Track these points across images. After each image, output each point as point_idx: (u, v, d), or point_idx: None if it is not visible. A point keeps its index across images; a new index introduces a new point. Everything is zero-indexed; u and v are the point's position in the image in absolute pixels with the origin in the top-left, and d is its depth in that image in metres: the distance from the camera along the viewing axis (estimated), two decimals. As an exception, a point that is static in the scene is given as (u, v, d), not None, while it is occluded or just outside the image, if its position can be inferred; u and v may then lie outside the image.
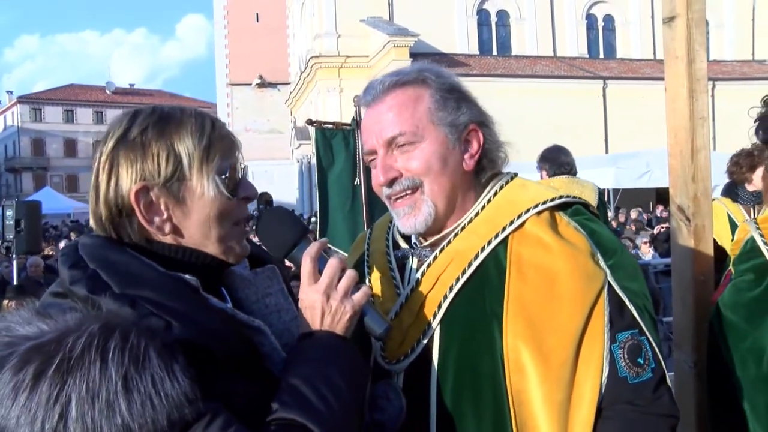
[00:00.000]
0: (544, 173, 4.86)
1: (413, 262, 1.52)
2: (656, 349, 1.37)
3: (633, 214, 17.91)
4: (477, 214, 1.48)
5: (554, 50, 33.96)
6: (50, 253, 12.30)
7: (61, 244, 13.74)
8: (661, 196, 19.66)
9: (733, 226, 4.16)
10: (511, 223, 1.43)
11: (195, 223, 1.23)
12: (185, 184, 1.21)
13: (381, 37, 29.39)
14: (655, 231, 13.23)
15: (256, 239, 1.52)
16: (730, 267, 1.66)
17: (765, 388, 1.45)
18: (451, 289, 1.41)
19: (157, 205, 1.21)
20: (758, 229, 1.57)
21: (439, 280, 1.43)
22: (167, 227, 1.22)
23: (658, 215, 18.11)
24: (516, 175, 1.56)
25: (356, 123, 6.53)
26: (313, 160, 7.59)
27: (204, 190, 1.22)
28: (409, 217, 1.46)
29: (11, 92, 65.46)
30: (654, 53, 33.22)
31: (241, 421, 1.07)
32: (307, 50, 34.26)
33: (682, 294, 1.98)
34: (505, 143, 1.55)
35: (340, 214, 7.09)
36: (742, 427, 1.49)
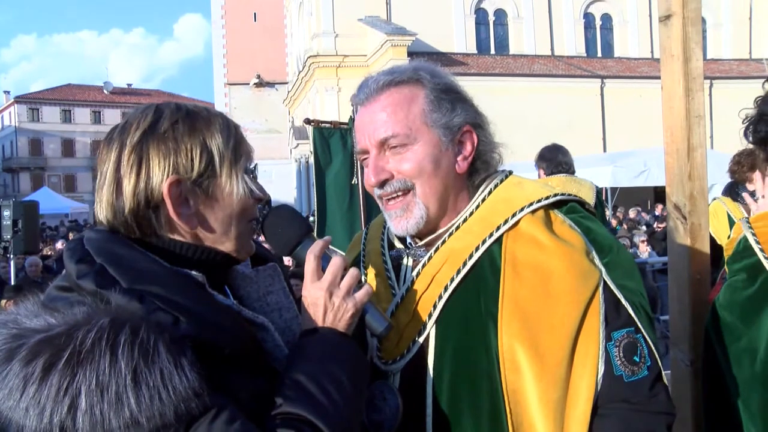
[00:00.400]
0: (542, 172, 4.84)
1: (408, 262, 1.52)
2: (652, 346, 1.37)
3: (632, 213, 17.92)
4: (472, 213, 1.48)
5: (552, 49, 33.93)
6: (48, 253, 12.28)
7: (59, 245, 13.71)
8: (659, 194, 19.65)
9: (733, 225, 4.17)
10: (506, 222, 1.43)
11: (219, 218, 1.26)
12: (215, 180, 1.24)
13: (379, 36, 29.36)
14: (655, 227, 13.25)
15: (259, 238, 1.53)
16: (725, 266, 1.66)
17: (759, 387, 1.45)
18: (446, 288, 1.41)
19: (186, 199, 1.22)
20: (750, 228, 1.57)
21: (434, 280, 1.43)
22: (194, 221, 1.23)
23: (657, 214, 18.12)
24: (511, 172, 1.55)
25: (354, 122, 6.53)
26: (311, 160, 7.58)
27: (233, 188, 1.25)
28: (401, 220, 1.45)
29: (8, 92, 65.27)
30: (652, 52, 33.17)
31: (246, 415, 1.08)
32: (305, 50, 34.26)
33: (679, 292, 1.98)
34: (500, 144, 1.53)
35: (337, 213, 7.12)
36: (736, 426, 1.49)
